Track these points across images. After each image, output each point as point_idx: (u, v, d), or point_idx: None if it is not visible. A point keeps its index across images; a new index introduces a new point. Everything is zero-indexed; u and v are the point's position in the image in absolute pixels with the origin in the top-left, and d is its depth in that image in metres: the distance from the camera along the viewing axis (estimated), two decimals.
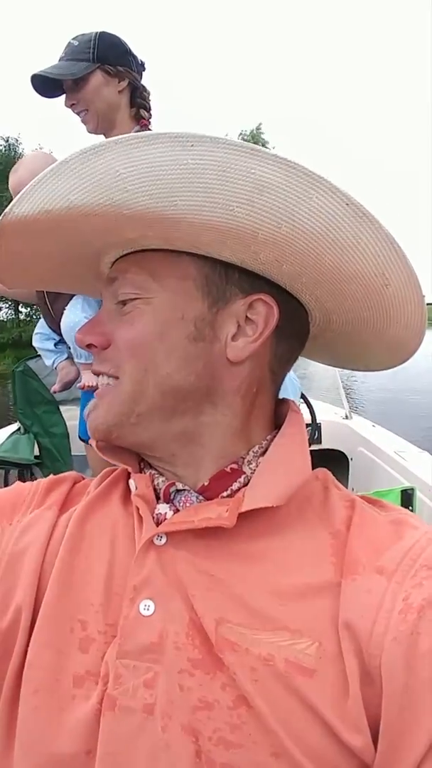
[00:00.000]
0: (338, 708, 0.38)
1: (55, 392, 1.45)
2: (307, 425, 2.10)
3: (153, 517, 0.47)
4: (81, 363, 1.31)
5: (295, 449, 0.49)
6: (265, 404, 0.51)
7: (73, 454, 2.24)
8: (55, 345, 1.41)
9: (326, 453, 2.26)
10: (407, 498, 1.50)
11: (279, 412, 0.53)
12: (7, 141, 29.91)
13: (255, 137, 32.76)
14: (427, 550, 0.42)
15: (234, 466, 0.48)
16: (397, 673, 0.37)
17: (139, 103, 1.31)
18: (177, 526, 0.45)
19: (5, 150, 29.87)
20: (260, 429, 0.50)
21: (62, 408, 2.25)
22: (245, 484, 0.47)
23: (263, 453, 0.49)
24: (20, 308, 29.14)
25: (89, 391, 1.32)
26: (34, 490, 0.55)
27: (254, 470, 0.48)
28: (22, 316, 29.12)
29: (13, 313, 29.25)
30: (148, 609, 0.43)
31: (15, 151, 30.12)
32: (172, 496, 0.48)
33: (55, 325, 1.34)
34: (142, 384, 0.47)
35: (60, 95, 1.28)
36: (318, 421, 2.12)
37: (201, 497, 0.48)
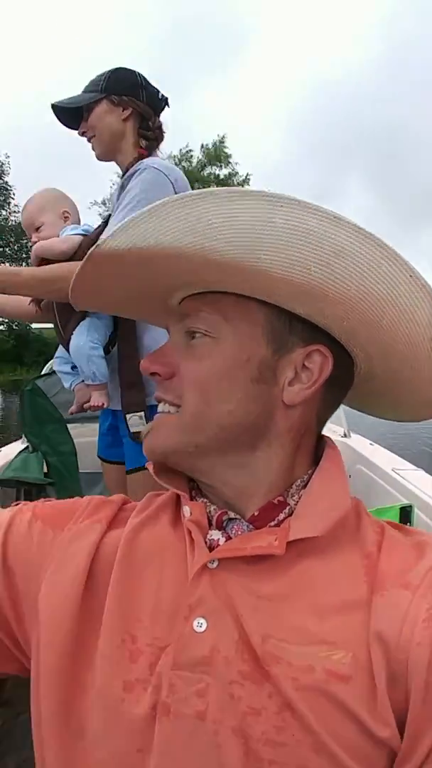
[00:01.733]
0: (369, 707, 0.43)
1: (72, 413, 1.51)
2: None
3: (206, 542, 0.51)
4: (90, 384, 1.36)
5: (335, 483, 0.53)
6: (309, 443, 0.55)
7: (80, 471, 2.30)
8: (72, 368, 1.46)
9: None
10: (405, 515, 1.56)
11: (318, 447, 0.58)
12: None
13: (217, 150, 33.48)
14: None
15: (280, 498, 0.52)
16: (421, 672, 0.42)
17: (141, 133, 1.38)
18: (231, 553, 0.49)
19: None
20: (303, 464, 0.55)
21: (70, 426, 2.30)
22: (289, 515, 0.51)
23: (304, 486, 0.53)
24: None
25: (96, 411, 1.39)
26: (86, 504, 0.59)
27: (297, 502, 0.52)
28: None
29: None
30: (201, 626, 0.47)
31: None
32: (224, 524, 0.52)
33: (66, 347, 1.40)
34: (204, 417, 0.50)
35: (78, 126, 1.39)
36: None
37: (251, 526, 0.52)
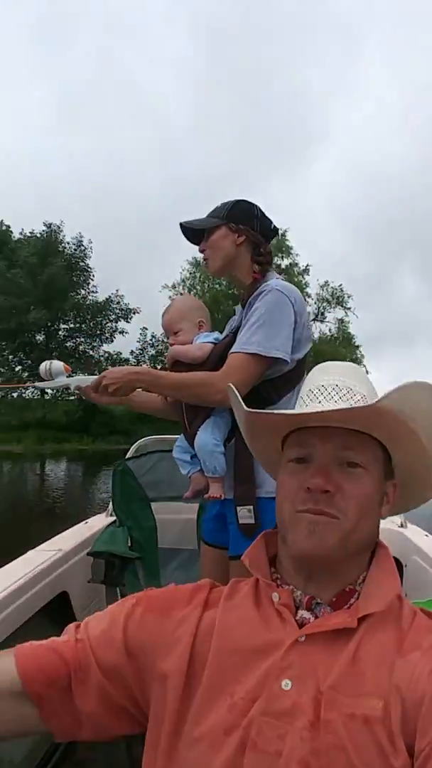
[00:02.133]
0: (390, 742, 0.55)
1: (186, 498, 1.69)
2: None
3: (296, 620, 0.65)
4: (209, 476, 1.51)
5: (388, 574, 0.69)
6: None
7: (159, 546, 2.49)
8: (191, 458, 1.61)
9: None
10: None
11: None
12: (50, 227, 31.15)
13: (280, 242, 34.19)
14: None
15: (351, 587, 0.68)
16: (427, 699, 0.56)
17: (256, 259, 1.58)
18: (317, 628, 0.63)
19: (47, 236, 31.02)
20: (368, 560, 0.72)
21: (153, 505, 2.52)
22: (357, 599, 0.67)
23: (365, 577, 0.69)
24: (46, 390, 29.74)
25: (214, 501, 1.53)
26: (183, 593, 0.74)
27: (362, 589, 0.68)
28: (47, 396, 29.10)
29: (39, 393, 29.32)
30: (287, 686, 0.60)
31: (56, 237, 31.36)
32: (313, 607, 0.67)
33: (190, 441, 1.56)
34: (357, 528, 0.66)
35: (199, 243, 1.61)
36: None
37: (331, 609, 0.66)
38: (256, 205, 1.61)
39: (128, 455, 2.66)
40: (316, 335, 34.23)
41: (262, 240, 1.60)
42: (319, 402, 0.72)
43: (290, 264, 36.53)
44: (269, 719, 0.59)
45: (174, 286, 36.76)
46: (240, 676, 0.63)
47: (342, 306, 37.15)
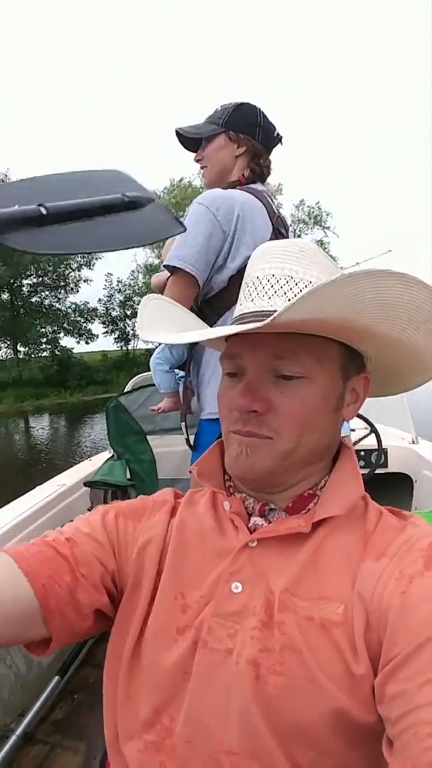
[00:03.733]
0: (351, 648, 0.54)
1: (152, 410, 1.86)
2: (374, 450, 2.34)
3: (248, 527, 0.64)
4: (161, 391, 1.63)
5: (349, 477, 0.65)
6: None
7: (159, 477, 2.58)
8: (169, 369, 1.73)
9: (392, 476, 2.45)
10: None
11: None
12: None
13: None
14: (422, 540, 0.57)
15: (310, 491, 0.64)
16: (393, 610, 0.52)
17: (250, 166, 1.46)
18: (268, 533, 0.62)
19: None
20: (330, 462, 0.67)
21: (149, 438, 2.59)
22: (316, 503, 0.63)
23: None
24: (19, 347, 29.29)
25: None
26: (151, 501, 0.74)
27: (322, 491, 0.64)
28: (21, 356, 29.33)
29: (12, 352, 29.38)
30: (237, 588, 0.60)
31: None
32: (266, 513, 0.65)
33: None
34: (296, 445, 0.59)
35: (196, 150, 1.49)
36: (384, 446, 2.32)
37: (286, 514, 0.64)
38: (259, 109, 1.46)
39: (124, 391, 2.71)
40: None
41: (263, 150, 1.47)
42: (252, 300, 0.62)
43: None
44: (219, 619, 0.60)
45: None
46: (194, 580, 0.64)
47: (321, 226, 34.41)
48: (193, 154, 1.50)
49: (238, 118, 1.42)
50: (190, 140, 1.47)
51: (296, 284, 0.60)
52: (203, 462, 0.70)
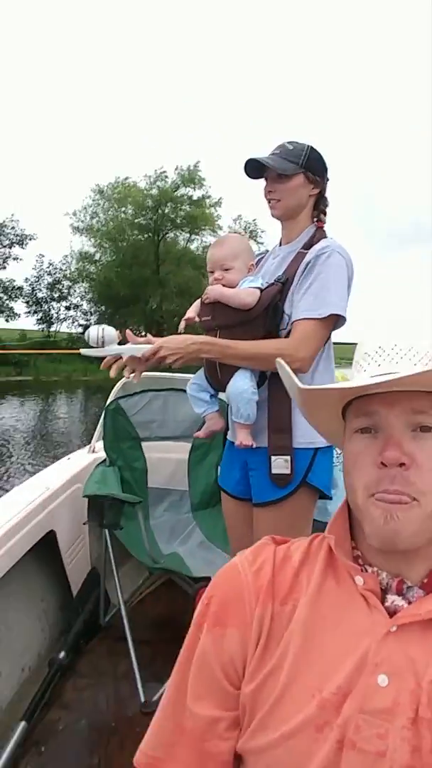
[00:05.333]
0: None
1: (197, 437, 1.67)
2: None
3: (386, 608, 0.59)
4: (239, 422, 1.48)
5: None
6: None
7: (150, 486, 2.46)
8: (210, 397, 1.59)
9: None
10: None
11: None
12: None
13: (192, 173, 34.89)
14: None
15: None
16: None
17: (320, 209, 1.58)
18: (410, 618, 0.58)
19: None
20: None
21: (144, 444, 2.47)
22: None
23: None
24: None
25: (241, 449, 1.49)
26: (247, 587, 0.66)
27: None
28: None
29: None
30: (384, 682, 0.56)
31: None
32: (404, 591, 0.61)
33: (216, 383, 1.53)
34: None
35: (258, 179, 1.55)
36: None
37: (423, 592, 0.60)
38: (322, 155, 1.57)
39: (115, 393, 2.55)
40: None
41: (325, 191, 1.59)
42: (378, 365, 0.65)
43: (202, 196, 35.79)
44: (367, 717, 0.56)
45: (75, 213, 34.97)
46: (327, 670, 0.59)
47: (255, 241, 35.16)
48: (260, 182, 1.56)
49: (315, 161, 1.53)
50: (257, 170, 1.53)
51: (417, 352, 0.65)
52: (337, 526, 0.67)
